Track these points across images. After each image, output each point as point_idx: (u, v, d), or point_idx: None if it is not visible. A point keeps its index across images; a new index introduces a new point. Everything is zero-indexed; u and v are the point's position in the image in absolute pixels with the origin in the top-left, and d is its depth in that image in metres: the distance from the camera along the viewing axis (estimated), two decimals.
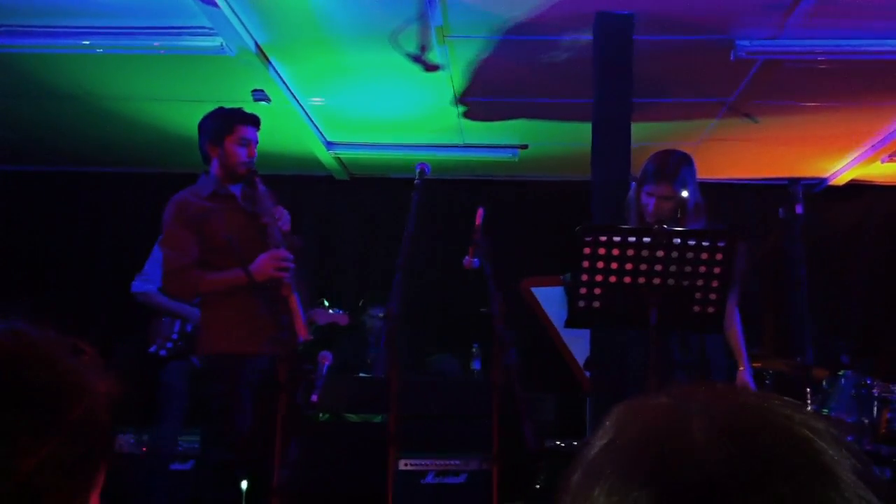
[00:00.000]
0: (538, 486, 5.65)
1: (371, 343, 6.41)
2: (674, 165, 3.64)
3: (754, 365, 5.27)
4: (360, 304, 6.52)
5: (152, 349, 4.71)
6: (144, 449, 5.17)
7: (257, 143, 3.91)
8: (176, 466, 5.18)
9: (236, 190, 3.88)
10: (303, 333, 3.67)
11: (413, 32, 4.64)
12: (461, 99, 5.68)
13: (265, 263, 3.67)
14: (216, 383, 3.75)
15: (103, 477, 0.91)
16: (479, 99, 5.69)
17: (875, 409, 4.88)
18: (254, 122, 3.91)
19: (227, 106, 3.97)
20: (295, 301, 3.70)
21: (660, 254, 3.08)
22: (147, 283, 4.83)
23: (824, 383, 5.06)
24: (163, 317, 4.77)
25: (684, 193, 3.58)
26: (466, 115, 6.00)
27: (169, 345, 4.69)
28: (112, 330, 7.10)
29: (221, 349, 3.74)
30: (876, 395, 4.87)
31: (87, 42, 4.72)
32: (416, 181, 3.34)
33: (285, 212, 3.91)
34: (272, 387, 3.46)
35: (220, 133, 3.84)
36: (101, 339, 7.09)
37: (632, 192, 3.77)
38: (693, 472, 0.67)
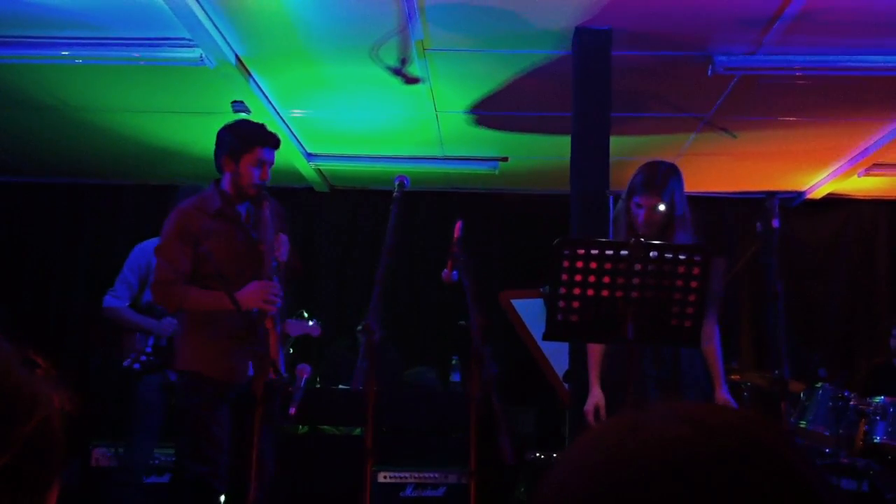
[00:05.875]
0: (519, 498, 5.65)
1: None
2: (662, 176, 3.66)
3: (732, 377, 5.30)
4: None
5: (126, 363, 4.68)
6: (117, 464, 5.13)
7: (273, 164, 3.88)
8: (153, 479, 5.14)
9: (242, 209, 3.86)
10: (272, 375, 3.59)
11: (394, 45, 4.65)
12: (441, 112, 5.69)
13: (254, 294, 3.62)
14: (192, 397, 3.72)
15: (57, 492, 0.89)
16: (459, 112, 5.70)
17: (852, 421, 4.91)
18: (275, 144, 3.87)
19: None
20: (275, 337, 3.64)
21: (637, 267, 3.10)
22: (116, 299, 4.80)
23: (802, 396, 5.09)
24: (135, 332, 4.75)
25: (661, 207, 3.60)
26: (446, 127, 6.01)
27: (143, 358, 4.66)
28: (88, 343, 7.05)
29: (198, 369, 3.71)
30: (853, 407, 4.90)
31: (67, 53, 4.69)
32: (395, 194, 3.32)
33: (286, 240, 3.86)
34: (250, 401, 3.43)
35: (238, 150, 3.80)
36: (77, 351, 7.05)
37: (620, 204, 3.78)
38: (653, 458, 0.68)
